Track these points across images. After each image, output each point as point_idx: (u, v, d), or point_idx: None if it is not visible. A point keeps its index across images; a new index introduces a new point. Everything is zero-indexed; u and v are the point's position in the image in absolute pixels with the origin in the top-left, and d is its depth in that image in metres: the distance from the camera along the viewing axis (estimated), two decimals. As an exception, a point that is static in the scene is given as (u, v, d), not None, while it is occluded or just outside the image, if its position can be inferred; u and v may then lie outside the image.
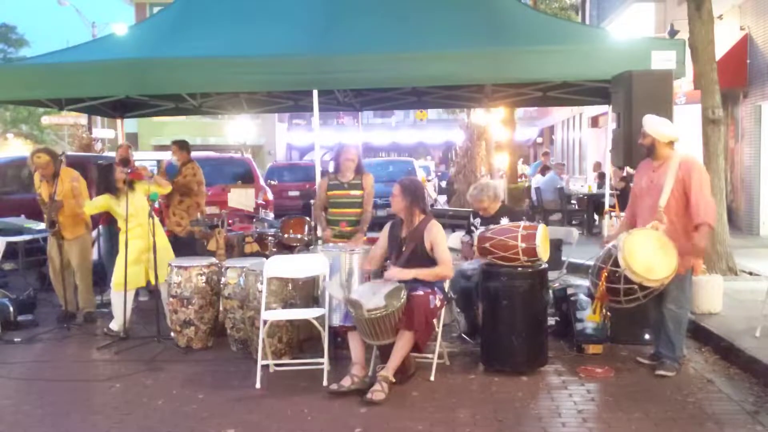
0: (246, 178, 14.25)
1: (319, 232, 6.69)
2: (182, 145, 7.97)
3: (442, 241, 5.01)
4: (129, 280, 6.19)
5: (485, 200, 5.96)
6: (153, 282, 6.26)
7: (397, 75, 6.84)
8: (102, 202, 6.42)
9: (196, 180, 7.87)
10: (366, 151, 22.72)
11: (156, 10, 17.78)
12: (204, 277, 5.86)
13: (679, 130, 5.18)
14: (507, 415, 4.29)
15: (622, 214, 6.03)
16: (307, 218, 7.33)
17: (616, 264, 4.74)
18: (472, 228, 6.01)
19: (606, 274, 4.78)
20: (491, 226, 5.32)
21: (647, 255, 4.69)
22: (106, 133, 24.09)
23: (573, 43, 6.87)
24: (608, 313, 5.28)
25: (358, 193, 6.15)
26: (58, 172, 6.64)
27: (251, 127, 31.37)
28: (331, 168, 6.50)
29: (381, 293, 4.63)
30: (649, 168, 5.12)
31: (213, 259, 6.21)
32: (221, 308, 5.85)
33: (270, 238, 7.51)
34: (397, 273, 4.88)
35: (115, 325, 6.31)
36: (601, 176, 13.26)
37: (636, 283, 4.70)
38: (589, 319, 5.28)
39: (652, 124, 5.03)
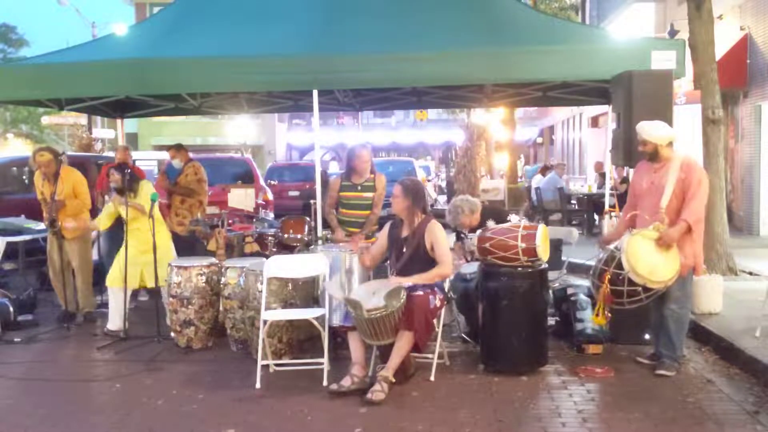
0: (246, 178, 14.26)
1: (320, 232, 6.69)
2: (179, 147, 8.01)
3: (443, 240, 5.01)
4: (123, 278, 6.20)
5: (464, 219, 5.94)
6: (148, 285, 6.27)
7: (397, 75, 6.84)
8: (111, 210, 6.46)
9: (197, 178, 7.88)
10: (366, 151, 22.69)
11: (156, 10, 17.77)
12: (204, 277, 5.86)
13: (676, 129, 5.18)
14: (507, 415, 4.29)
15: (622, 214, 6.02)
16: (307, 218, 7.33)
17: (618, 266, 4.74)
18: (462, 235, 6.02)
19: (609, 276, 4.78)
20: (491, 227, 5.32)
21: (651, 257, 4.69)
22: (106, 133, 24.06)
23: (573, 43, 6.86)
24: (609, 314, 5.28)
25: (370, 195, 6.11)
26: (59, 171, 6.65)
27: (251, 127, 31.36)
28: (332, 168, 6.49)
29: (381, 293, 4.63)
30: (649, 169, 5.11)
31: (213, 259, 6.20)
32: (221, 308, 5.85)
33: (270, 238, 7.51)
34: (398, 282, 4.85)
35: (112, 325, 6.32)
36: (602, 176, 13.27)
37: (639, 285, 4.70)
38: (594, 321, 5.26)
39: (650, 131, 5.00)
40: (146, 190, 6.40)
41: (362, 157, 6.08)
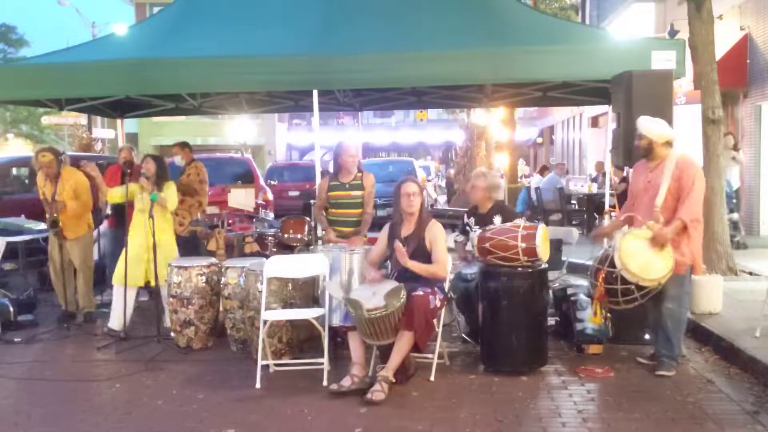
0: (246, 178, 14.26)
1: (319, 232, 6.69)
2: (184, 145, 8.00)
3: (442, 241, 5.02)
4: (129, 277, 6.18)
5: (479, 183, 5.78)
6: (153, 283, 6.25)
7: (397, 75, 6.84)
8: (131, 190, 6.37)
9: (200, 179, 7.88)
10: (366, 151, 22.69)
11: (156, 10, 17.78)
12: (204, 277, 5.86)
13: (676, 130, 5.18)
14: (507, 415, 4.29)
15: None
16: (307, 218, 7.32)
17: (612, 265, 4.74)
18: (467, 228, 5.99)
19: (603, 275, 4.78)
20: (490, 226, 5.32)
21: (643, 255, 4.70)
22: (106, 133, 24.07)
23: (573, 43, 6.87)
24: (608, 314, 5.28)
25: (359, 193, 6.12)
26: (60, 171, 6.65)
27: (251, 127, 31.35)
28: (332, 168, 6.49)
29: (381, 293, 4.63)
30: (646, 169, 5.12)
31: (213, 259, 6.20)
32: (221, 308, 5.85)
33: (270, 238, 7.51)
34: (402, 254, 4.86)
35: (112, 323, 6.30)
36: (602, 176, 13.27)
37: (632, 284, 4.70)
38: (590, 320, 5.27)
39: (648, 126, 5.02)
40: (171, 191, 6.39)
41: (348, 150, 6.10)
